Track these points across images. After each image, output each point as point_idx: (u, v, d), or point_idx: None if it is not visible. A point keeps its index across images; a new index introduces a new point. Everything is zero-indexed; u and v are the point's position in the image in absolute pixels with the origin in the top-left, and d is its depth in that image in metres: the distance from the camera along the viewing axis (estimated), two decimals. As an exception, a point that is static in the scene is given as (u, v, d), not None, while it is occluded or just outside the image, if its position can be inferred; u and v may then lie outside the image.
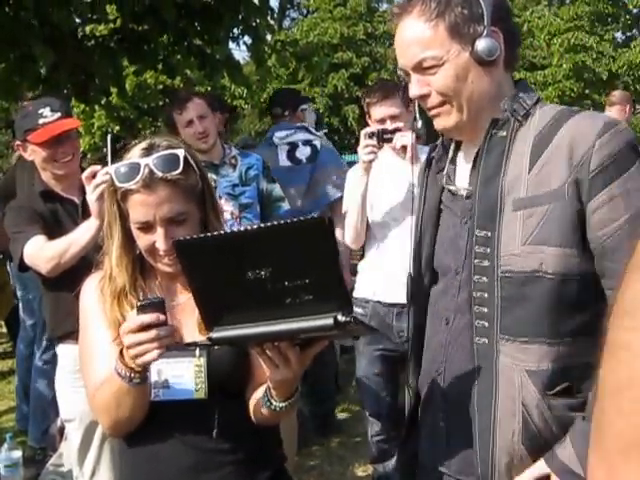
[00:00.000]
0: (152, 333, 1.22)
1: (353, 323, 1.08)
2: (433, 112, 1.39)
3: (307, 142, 3.73)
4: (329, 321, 1.07)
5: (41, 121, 2.41)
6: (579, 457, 1.26)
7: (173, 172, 1.38)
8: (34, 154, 2.48)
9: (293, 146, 3.72)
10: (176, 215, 1.39)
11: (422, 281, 1.51)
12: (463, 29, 1.31)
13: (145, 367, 1.30)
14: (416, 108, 1.49)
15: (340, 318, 1.06)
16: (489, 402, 1.33)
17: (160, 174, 1.37)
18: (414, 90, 1.37)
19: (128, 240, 1.45)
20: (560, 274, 1.27)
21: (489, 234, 1.33)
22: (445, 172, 1.48)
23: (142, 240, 1.42)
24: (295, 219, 1.06)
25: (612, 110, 5.47)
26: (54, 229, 2.42)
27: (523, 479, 1.32)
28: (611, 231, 1.25)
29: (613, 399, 0.46)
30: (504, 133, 1.34)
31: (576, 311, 1.29)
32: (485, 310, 1.34)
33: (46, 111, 2.41)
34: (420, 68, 1.35)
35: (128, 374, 1.30)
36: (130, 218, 1.41)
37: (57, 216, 2.49)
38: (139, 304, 1.26)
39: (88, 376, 1.46)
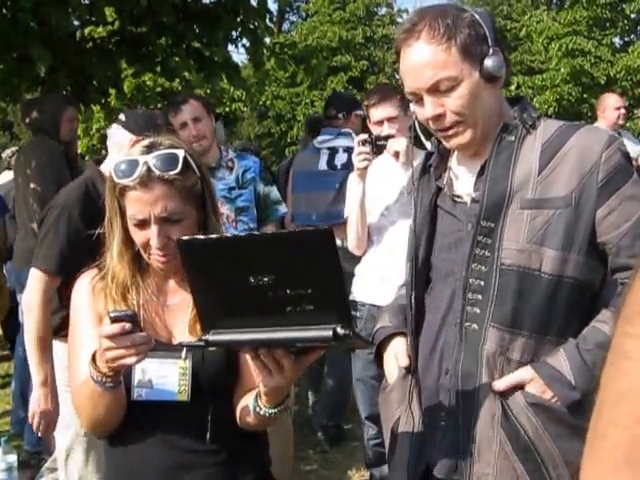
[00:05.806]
0: (126, 340, 1.23)
1: (352, 337, 1.08)
2: (449, 132, 1.42)
3: (347, 149, 3.65)
4: (328, 333, 1.06)
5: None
6: (573, 368, 1.35)
7: (171, 172, 1.38)
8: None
9: (333, 151, 3.68)
10: (170, 214, 1.39)
11: (419, 285, 1.54)
12: (472, 49, 1.37)
13: (117, 372, 1.30)
14: (412, 129, 1.57)
15: (339, 331, 1.06)
16: (473, 386, 1.40)
17: (157, 172, 1.37)
18: (429, 111, 1.40)
19: (128, 236, 1.45)
20: (557, 275, 1.37)
21: (493, 225, 1.41)
22: (445, 179, 1.53)
23: (137, 236, 1.43)
24: (301, 228, 1.06)
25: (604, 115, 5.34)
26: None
27: (508, 381, 1.38)
28: (625, 230, 1.37)
29: (610, 409, 0.45)
30: (512, 138, 1.43)
31: (566, 313, 1.39)
32: (479, 297, 1.41)
33: None
34: (436, 90, 1.38)
35: (101, 378, 1.30)
36: (127, 214, 1.42)
37: None
38: (110, 315, 1.26)
39: (72, 374, 1.47)
